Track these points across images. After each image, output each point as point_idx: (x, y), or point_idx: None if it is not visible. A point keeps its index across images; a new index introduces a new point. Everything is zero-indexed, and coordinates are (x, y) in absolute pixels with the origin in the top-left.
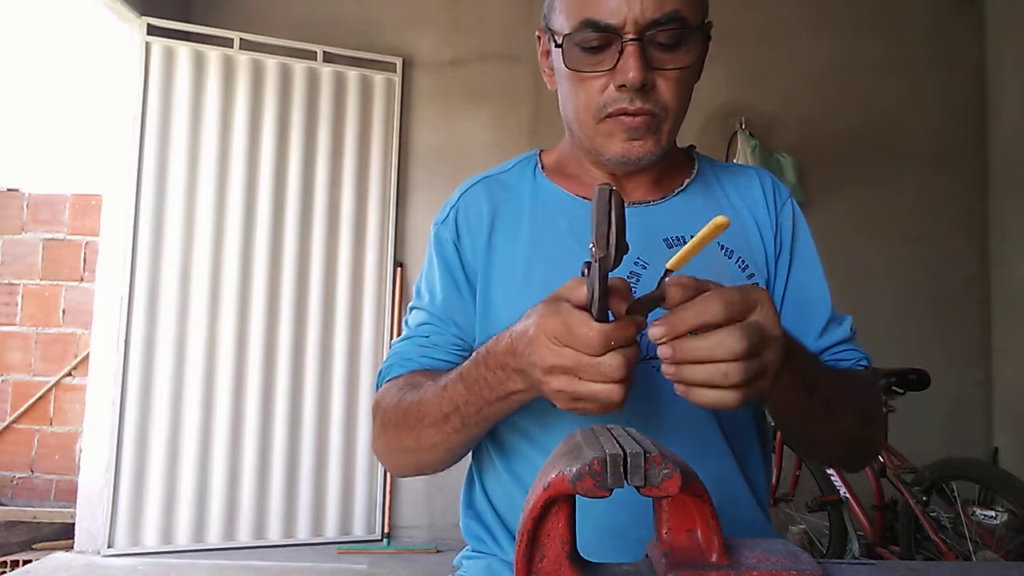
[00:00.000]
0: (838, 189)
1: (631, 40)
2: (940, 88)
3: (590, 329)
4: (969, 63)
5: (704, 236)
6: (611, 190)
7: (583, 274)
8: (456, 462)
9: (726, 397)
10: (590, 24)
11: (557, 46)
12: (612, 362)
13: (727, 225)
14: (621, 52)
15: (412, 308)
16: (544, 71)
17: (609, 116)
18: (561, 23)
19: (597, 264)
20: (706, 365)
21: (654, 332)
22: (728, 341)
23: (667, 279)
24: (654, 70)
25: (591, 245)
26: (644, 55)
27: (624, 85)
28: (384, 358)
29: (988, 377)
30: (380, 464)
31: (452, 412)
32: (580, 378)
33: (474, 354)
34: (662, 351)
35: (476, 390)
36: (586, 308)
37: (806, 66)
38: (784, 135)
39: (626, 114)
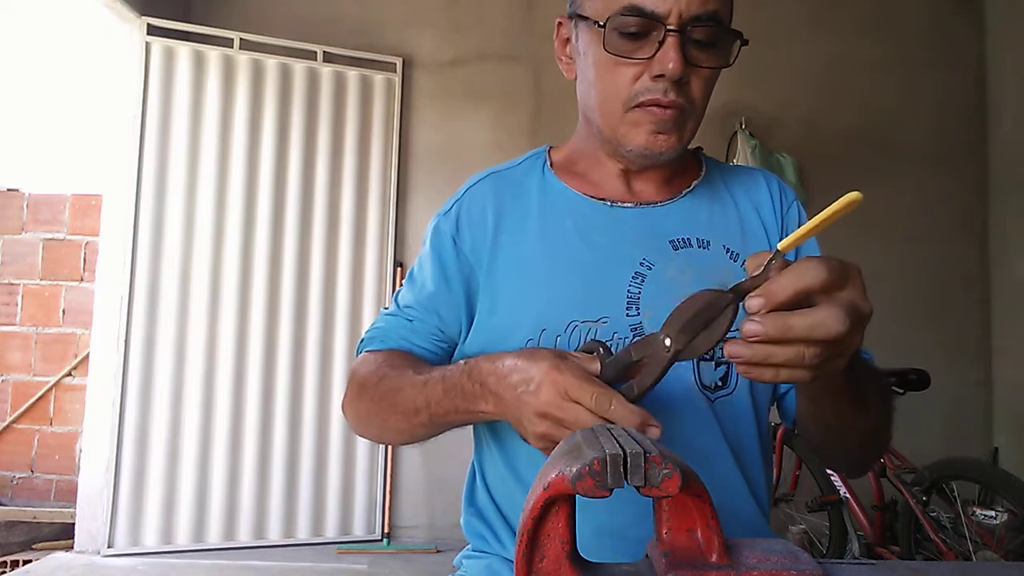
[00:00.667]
0: (838, 189)
1: (673, 31)
2: (940, 88)
3: (602, 388)
4: (969, 63)
5: (833, 212)
6: (732, 297)
7: (591, 351)
8: (416, 443)
9: (797, 375)
10: (634, 9)
11: (600, 26)
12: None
13: (860, 201)
14: (662, 42)
15: (405, 284)
16: (560, 59)
17: (639, 106)
18: (596, 8)
19: (670, 354)
20: (790, 346)
21: (752, 304)
22: (830, 322)
23: (773, 262)
24: (689, 65)
25: (661, 334)
26: (683, 48)
27: (661, 75)
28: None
29: (988, 377)
30: (354, 433)
31: (423, 407)
32: (567, 429)
33: (464, 361)
34: (748, 328)
35: (452, 395)
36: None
37: (806, 66)
38: (784, 135)
39: (658, 105)
